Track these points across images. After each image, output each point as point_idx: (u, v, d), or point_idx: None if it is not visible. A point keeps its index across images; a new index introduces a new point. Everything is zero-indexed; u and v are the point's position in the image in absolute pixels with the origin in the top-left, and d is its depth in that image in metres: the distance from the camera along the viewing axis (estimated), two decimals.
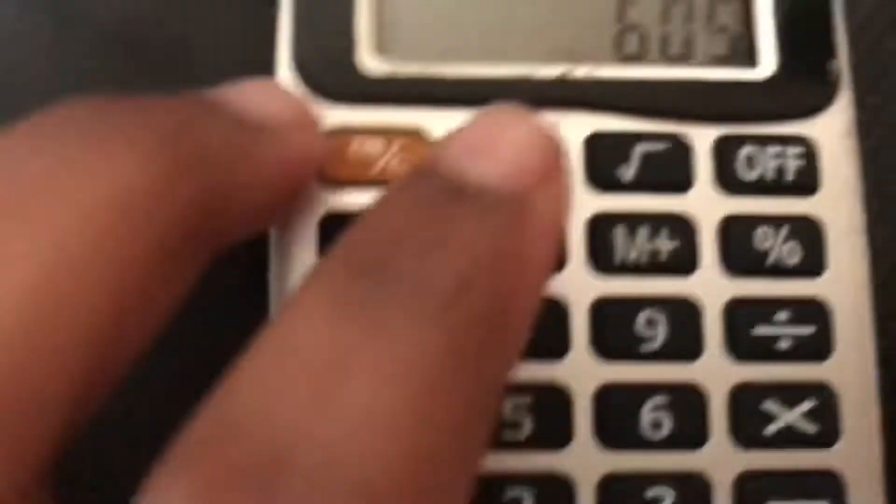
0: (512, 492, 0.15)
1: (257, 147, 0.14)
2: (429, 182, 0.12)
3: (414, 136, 0.16)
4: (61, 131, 0.12)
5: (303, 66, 0.16)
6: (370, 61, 0.16)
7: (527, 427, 0.15)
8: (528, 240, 0.12)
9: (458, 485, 0.11)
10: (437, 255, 0.11)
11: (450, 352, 0.11)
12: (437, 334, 0.11)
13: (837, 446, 0.16)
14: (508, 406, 0.15)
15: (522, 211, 0.12)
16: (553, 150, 0.13)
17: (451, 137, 0.13)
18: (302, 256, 0.15)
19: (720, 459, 0.15)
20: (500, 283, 0.12)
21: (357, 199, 0.15)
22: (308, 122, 0.15)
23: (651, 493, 0.15)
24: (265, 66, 0.16)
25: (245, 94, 0.14)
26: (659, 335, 0.15)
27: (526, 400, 0.15)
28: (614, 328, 0.15)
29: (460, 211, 0.12)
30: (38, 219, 0.11)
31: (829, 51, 0.17)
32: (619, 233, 0.16)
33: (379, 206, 0.13)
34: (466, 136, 0.13)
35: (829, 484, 0.15)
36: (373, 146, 0.16)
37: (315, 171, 0.15)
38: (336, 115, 0.16)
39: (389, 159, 0.16)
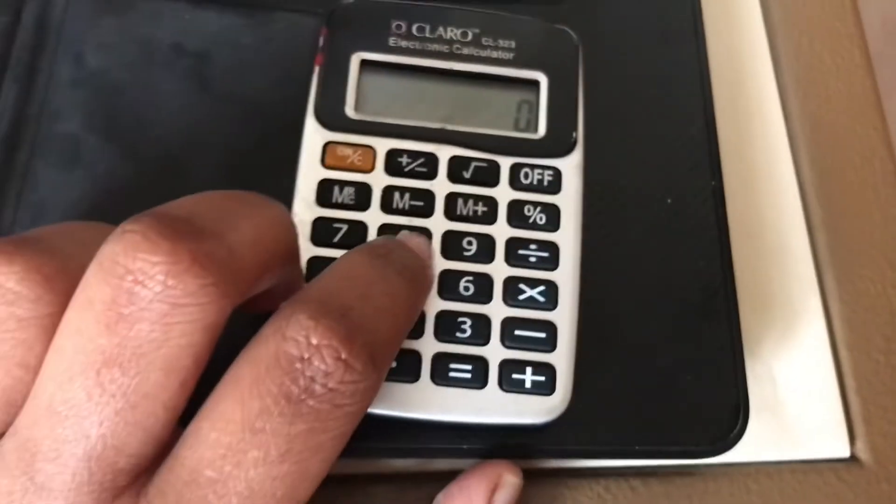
0: None
1: None
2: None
3: (368, 148, 0.28)
4: None
5: (318, 114, 0.28)
6: (351, 112, 0.28)
7: None
8: None
9: None
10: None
11: None
12: None
13: (556, 311, 0.26)
14: None
15: None
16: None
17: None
18: (309, 200, 0.27)
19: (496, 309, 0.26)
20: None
21: (337, 175, 0.27)
22: None
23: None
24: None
25: None
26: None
27: None
28: None
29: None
30: None
31: (573, 128, 0.28)
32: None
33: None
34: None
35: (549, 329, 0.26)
36: (346, 150, 0.28)
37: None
38: (333, 136, 0.28)
39: (353, 157, 0.28)
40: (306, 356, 0.17)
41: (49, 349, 0.17)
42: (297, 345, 0.17)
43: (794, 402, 0.31)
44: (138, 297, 0.17)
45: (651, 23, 0.33)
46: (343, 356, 0.17)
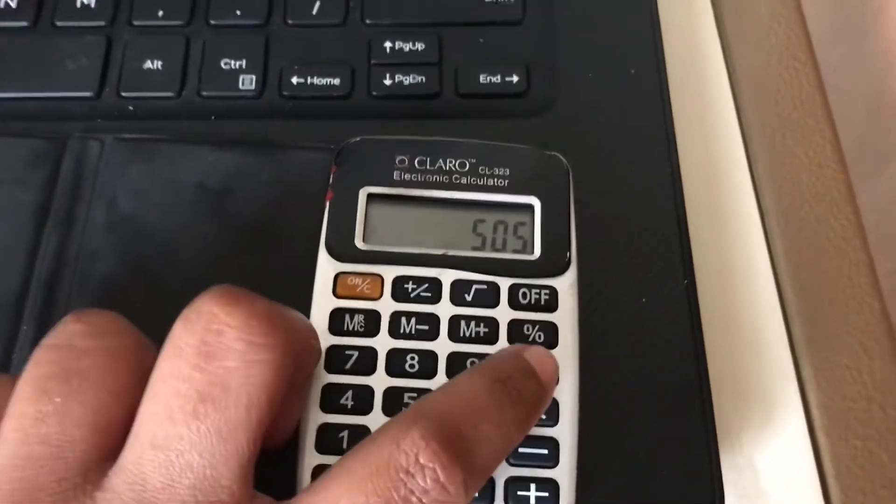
0: None
1: None
2: None
3: (376, 277, 0.27)
4: None
5: (329, 246, 0.27)
6: (360, 243, 0.27)
7: None
8: None
9: None
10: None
11: None
12: None
13: (557, 427, 0.25)
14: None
15: None
16: None
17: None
18: (322, 329, 0.26)
19: None
20: None
21: (347, 303, 0.27)
22: None
23: None
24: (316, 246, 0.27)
25: None
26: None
27: None
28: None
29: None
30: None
31: (566, 249, 0.28)
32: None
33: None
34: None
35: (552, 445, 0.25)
36: (356, 280, 0.27)
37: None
38: (343, 267, 0.27)
39: (363, 286, 0.27)
40: (412, 470, 0.19)
41: (144, 396, 0.19)
42: (406, 458, 0.19)
43: (775, 490, 0.29)
44: (223, 336, 0.18)
45: (625, 130, 0.32)
46: (442, 479, 0.19)
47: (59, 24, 0.33)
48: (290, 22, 0.33)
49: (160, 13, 0.32)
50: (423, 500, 0.19)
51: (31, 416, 0.18)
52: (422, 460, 0.19)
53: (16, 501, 0.18)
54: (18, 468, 0.18)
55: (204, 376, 0.18)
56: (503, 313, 0.27)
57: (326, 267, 0.27)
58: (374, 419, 0.25)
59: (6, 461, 0.18)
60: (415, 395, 0.26)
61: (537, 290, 0.27)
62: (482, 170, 0.29)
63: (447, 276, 0.27)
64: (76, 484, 0.18)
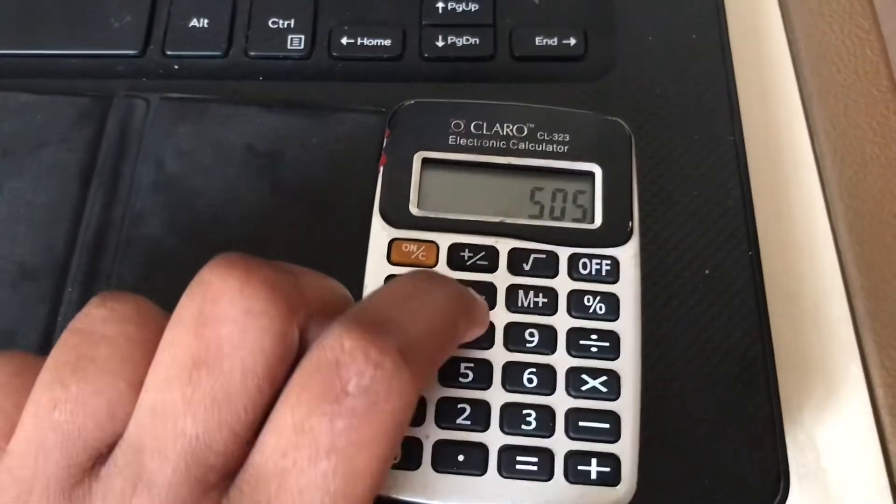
0: None
1: None
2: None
3: (431, 244, 0.26)
4: None
5: (384, 212, 0.27)
6: (414, 209, 0.27)
7: None
8: None
9: None
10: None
11: None
12: None
13: (619, 401, 0.25)
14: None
15: None
16: None
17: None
18: None
19: (560, 400, 0.25)
20: None
21: (402, 270, 0.26)
22: None
23: None
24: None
25: None
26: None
27: None
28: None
29: None
30: None
31: (629, 218, 0.27)
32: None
33: None
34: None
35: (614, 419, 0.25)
36: (411, 246, 0.26)
37: None
38: (398, 233, 0.26)
39: (418, 253, 0.26)
40: (342, 360, 0.18)
41: (150, 367, 0.18)
42: (332, 350, 0.18)
43: (837, 469, 0.28)
44: (218, 304, 0.18)
45: (687, 98, 0.31)
46: (372, 355, 0.18)
47: None
48: None
49: None
50: (362, 384, 0.18)
51: (45, 403, 0.18)
52: (347, 345, 0.18)
53: (24, 488, 0.18)
54: (31, 454, 0.18)
55: (199, 343, 0.18)
56: (563, 283, 0.26)
57: (380, 233, 0.26)
58: (431, 390, 0.24)
59: (20, 447, 0.18)
60: (472, 364, 0.25)
61: (598, 260, 0.26)
62: (541, 135, 0.28)
63: (504, 245, 0.26)
64: (85, 469, 0.18)
